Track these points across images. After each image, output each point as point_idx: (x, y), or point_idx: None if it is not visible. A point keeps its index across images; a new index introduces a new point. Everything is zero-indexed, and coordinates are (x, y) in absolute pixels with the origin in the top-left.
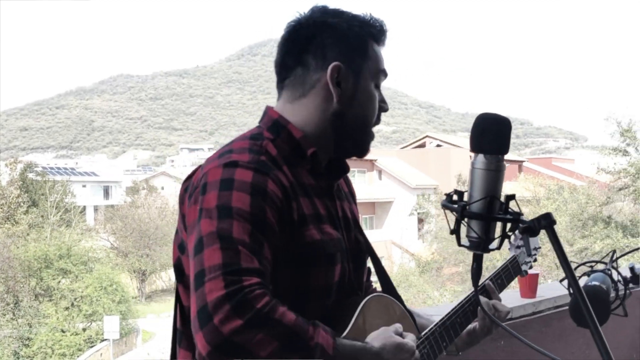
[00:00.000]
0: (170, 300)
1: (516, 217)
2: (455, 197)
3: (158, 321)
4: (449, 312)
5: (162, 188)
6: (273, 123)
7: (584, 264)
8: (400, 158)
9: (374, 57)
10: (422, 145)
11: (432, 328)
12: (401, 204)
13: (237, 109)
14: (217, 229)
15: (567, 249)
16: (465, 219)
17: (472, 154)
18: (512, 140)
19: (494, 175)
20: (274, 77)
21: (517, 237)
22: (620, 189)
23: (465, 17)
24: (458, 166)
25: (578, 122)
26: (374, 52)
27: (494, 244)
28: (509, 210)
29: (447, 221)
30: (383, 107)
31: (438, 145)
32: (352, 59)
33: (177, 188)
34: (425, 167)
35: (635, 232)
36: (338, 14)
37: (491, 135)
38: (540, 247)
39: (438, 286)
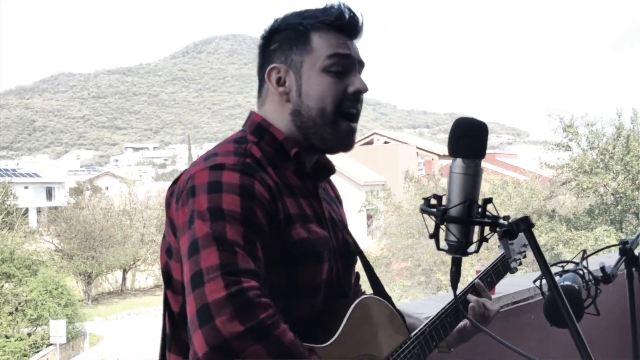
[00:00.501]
0: (117, 303)
1: (495, 221)
2: (433, 202)
3: (105, 324)
4: (439, 312)
5: (107, 188)
6: (256, 126)
7: (555, 264)
8: (348, 155)
9: (319, 45)
10: (370, 142)
11: (422, 328)
12: (350, 201)
13: (183, 106)
14: (212, 230)
15: None
16: (445, 224)
17: (450, 159)
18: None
19: (472, 179)
20: (219, 75)
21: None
22: (563, 183)
23: (408, 14)
24: (405, 162)
25: (520, 118)
26: (319, 40)
27: (472, 248)
28: (487, 213)
29: (426, 226)
30: (356, 89)
31: (386, 142)
32: (291, 56)
33: (122, 188)
34: (373, 163)
35: (578, 225)
36: (289, 16)
37: (469, 140)
38: (527, 244)
39: (387, 281)
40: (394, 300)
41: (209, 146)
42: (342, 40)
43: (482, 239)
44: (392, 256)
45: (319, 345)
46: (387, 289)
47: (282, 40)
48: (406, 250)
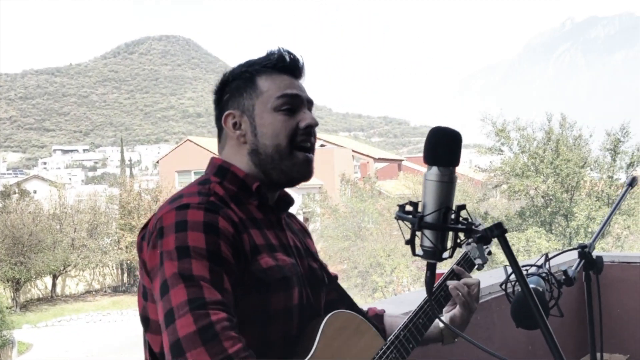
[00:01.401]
0: (47, 310)
1: (469, 227)
2: (408, 208)
3: (35, 331)
4: (412, 315)
5: (35, 192)
6: (218, 168)
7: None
8: None
9: (267, 87)
10: None
11: (396, 333)
12: (294, 201)
13: (114, 108)
14: (179, 269)
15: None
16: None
17: (426, 166)
18: (390, 140)
19: (447, 186)
20: (152, 76)
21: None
22: (495, 186)
23: (339, 18)
24: (341, 166)
25: (452, 122)
26: (265, 83)
27: (447, 253)
28: (462, 219)
29: (402, 232)
30: (307, 124)
31: (322, 145)
32: (242, 101)
33: (51, 191)
34: None
35: (509, 226)
36: (234, 68)
37: (444, 149)
38: (490, 250)
39: None
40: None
41: (141, 149)
42: (288, 80)
43: (456, 244)
44: (328, 259)
45: None
46: None
47: (233, 89)
48: (342, 252)
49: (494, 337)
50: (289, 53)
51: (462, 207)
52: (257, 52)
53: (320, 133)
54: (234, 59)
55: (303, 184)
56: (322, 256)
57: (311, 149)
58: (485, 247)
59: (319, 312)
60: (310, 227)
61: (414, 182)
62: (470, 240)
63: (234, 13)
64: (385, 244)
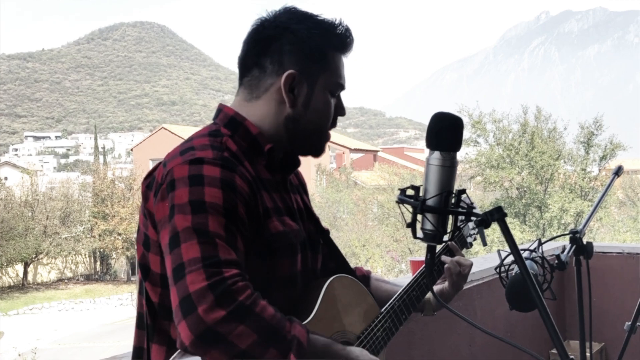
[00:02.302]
0: (19, 298)
1: (470, 211)
2: (410, 192)
3: (6, 319)
4: (407, 286)
5: (6, 178)
6: (229, 120)
7: (510, 253)
8: None
9: (333, 68)
10: None
11: (391, 303)
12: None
13: (87, 95)
14: (193, 223)
15: None
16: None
17: (428, 151)
18: (366, 131)
19: (449, 171)
20: (126, 63)
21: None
22: (470, 178)
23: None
24: None
25: (427, 114)
26: (333, 63)
27: (446, 236)
28: (462, 203)
29: (402, 215)
30: (339, 112)
31: None
32: (308, 68)
33: (23, 178)
34: None
35: None
36: (302, 18)
37: (447, 134)
38: (471, 243)
39: None
40: None
41: (114, 136)
42: (342, 62)
43: (456, 228)
44: None
45: None
46: None
47: (298, 46)
48: None
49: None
50: (349, 31)
51: (463, 191)
52: (232, 40)
53: None
54: (209, 47)
55: None
56: None
57: None
58: (472, 233)
59: (317, 275)
60: None
61: (389, 173)
62: (470, 224)
63: (209, 0)
64: (360, 234)
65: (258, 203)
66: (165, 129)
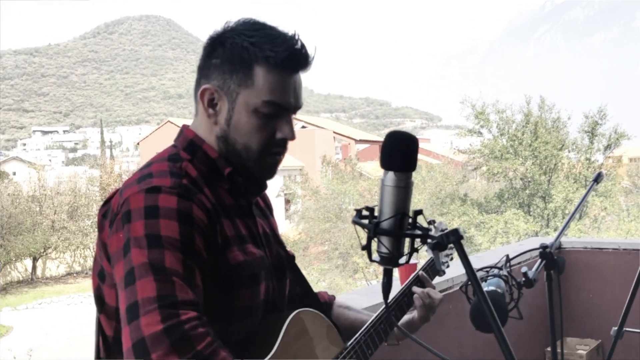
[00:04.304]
0: (28, 292)
1: (425, 233)
2: (365, 213)
3: (15, 314)
4: (373, 320)
5: (14, 173)
6: (189, 143)
7: (480, 270)
8: None
9: (261, 83)
10: None
11: (357, 337)
12: (268, 186)
13: (94, 89)
14: (150, 258)
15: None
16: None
17: (382, 171)
18: (372, 121)
19: (404, 191)
20: (132, 56)
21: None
22: (474, 168)
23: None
24: (322, 147)
25: (432, 103)
26: (261, 77)
27: (403, 259)
28: (418, 225)
29: (358, 237)
30: (284, 135)
31: (303, 127)
32: (228, 82)
33: (31, 173)
34: (290, 148)
35: (489, 208)
36: (244, 30)
37: (400, 154)
38: (451, 254)
39: (305, 265)
40: (312, 283)
41: (122, 130)
42: (283, 81)
43: (413, 250)
44: (309, 240)
45: None
46: (304, 272)
47: (225, 59)
48: (323, 234)
49: (465, 326)
50: (302, 47)
51: (419, 212)
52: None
53: (301, 114)
54: None
55: (283, 166)
56: (303, 238)
57: (282, 155)
58: (448, 253)
59: (283, 303)
60: (292, 209)
61: None
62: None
63: None
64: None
65: (217, 233)
66: (172, 123)
